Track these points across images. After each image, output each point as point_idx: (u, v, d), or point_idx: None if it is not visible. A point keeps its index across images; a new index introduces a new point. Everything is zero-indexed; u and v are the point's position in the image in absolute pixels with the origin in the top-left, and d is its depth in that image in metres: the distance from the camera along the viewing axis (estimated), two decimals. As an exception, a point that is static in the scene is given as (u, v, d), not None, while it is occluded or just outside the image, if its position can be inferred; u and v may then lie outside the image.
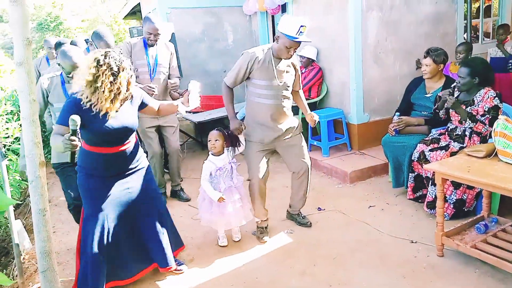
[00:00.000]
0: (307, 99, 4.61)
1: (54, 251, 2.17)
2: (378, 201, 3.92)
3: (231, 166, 3.21)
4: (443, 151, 3.42)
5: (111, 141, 2.54)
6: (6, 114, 4.23)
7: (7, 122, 4.11)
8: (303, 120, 5.18)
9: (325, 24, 5.17)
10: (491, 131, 2.85)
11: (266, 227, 3.41)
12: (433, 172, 3.05)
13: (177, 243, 2.99)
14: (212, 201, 3.15)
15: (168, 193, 4.35)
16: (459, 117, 3.45)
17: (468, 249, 2.73)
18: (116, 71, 2.40)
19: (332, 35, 5.09)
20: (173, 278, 2.92)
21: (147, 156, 3.15)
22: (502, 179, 2.49)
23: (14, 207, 3.72)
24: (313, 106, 5.17)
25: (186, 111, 2.91)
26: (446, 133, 3.62)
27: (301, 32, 2.88)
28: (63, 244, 3.55)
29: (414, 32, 5.01)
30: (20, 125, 3.44)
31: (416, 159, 3.60)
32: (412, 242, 3.14)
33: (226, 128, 3.28)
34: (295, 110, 5.13)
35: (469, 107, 3.41)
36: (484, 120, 3.33)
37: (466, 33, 5.35)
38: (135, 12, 10.31)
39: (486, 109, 3.33)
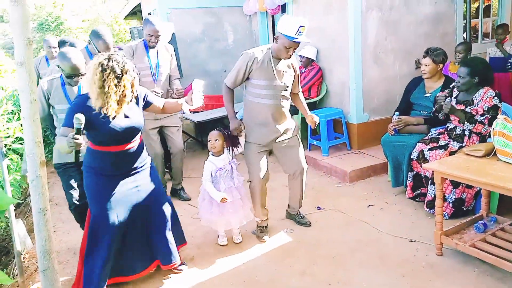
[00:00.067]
0: (306, 99, 4.62)
1: (54, 250, 2.18)
2: (378, 200, 3.93)
3: (231, 167, 3.22)
4: (442, 150, 3.43)
5: (118, 140, 2.57)
6: (6, 114, 4.24)
7: (8, 122, 4.12)
8: (303, 120, 5.21)
9: (325, 24, 5.18)
10: (491, 130, 2.86)
11: (266, 227, 3.42)
12: (432, 171, 3.06)
13: (180, 239, 3.00)
14: (212, 201, 3.16)
15: (168, 192, 4.37)
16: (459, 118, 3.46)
17: (467, 248, 2.74)
18: (119, 74, 2.42)
19: (332, 35, 5.10)
20: (173, 277, 2.94)
21: None
22: (501, 178, 2.50)
23: (14, 206, 3.73)
24: (312, 106, 5.18)
25: (190, 110, 2.93)
26: (446, 132, 3.63)
27: (300, 32, 2.90)
28: (64, 243, 3.56)
29: (413, 32, 5.02)
30: (21, 124, 3.45)
31: (415, 158, 3.61)
32: (411, 241, 3.15)
33: (226, 128, 3.29)
34: (295, 109, 5.16)
35: (469, 107, 3.42)
36: (483, 120, 3.33)
37: (465, 33, 5.36)
38: (135, 12, 10.32)
39: (486, 109, 3.34)
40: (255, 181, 3.25)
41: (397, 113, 3.96)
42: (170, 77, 4.16)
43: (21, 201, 4.50)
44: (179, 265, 2.98)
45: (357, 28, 4.69)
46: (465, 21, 5.36)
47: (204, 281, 2.88)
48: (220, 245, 3.32)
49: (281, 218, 3.69)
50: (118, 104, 2.47)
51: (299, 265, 2.97)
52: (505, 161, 2.72)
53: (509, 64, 5.05)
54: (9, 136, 3.90)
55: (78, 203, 3.20)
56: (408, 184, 3.75)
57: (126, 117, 2.56)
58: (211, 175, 3.16)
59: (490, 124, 3.27)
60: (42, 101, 3.07)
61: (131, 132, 2.60)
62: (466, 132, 3.46)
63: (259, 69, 3.06)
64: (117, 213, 2.63)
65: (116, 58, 2.45)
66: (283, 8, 6.02)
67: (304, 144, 5.17)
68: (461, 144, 3.42)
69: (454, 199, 3.37)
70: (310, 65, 5.30)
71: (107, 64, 2.40)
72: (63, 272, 3.04)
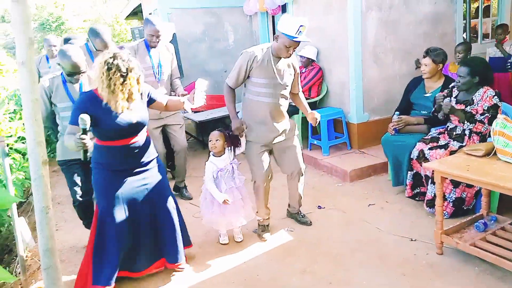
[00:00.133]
0: (307, 99, 4.62)
1: (57, 249, 2.19)
2: (378, 199, 3.94)
3: (232, 167, 3.22)
4: (443, 149, 3.44)
5: (123, 134, 2.59)
6: (8, 113, 4.26)
7: (10, 121, 4.14)
8: (304, 120, 5.23)
9: (325, 24, 5.19)
10: (491, 130, 2.87)
11: (267, 225, 3.44)
12: (433, 170, 3.07)
13: (185, 240, 3.02)
14: (214, 201, 3.17)
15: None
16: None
17: (467, 247, 2.75)
18: (124, 73, 2.45)
19: (332, 35, 5.11)
20: (175, 276, 2.95)
21: None
22: (501, 178, 2.51)
23: (17, 205, 3.74)
24: (313, 106, 5.19)
25: (191, 109, 2.94)
26: (446, 132, 3.64)
27: (300, 31, 2.91)
28: (66, 242, 3.58)
29: (413, 32, 5.03)
30: (23, 124, 3.47)
31: (415, 157, 3.62)
32: (412, 240, 3.16)
33: (227, 128, 3.30)
34: (295, 109, 5.17)
35: (469, 107, 3.43)
36: (483, 119, 3.34)
37: (465, 33, 5.37)
38: (136, 12, 10.33)
39: (486, 108, 3.35)
40: (258, 181, 3.26)
41: (397, 112, 3.97)
42: (171, 76, 4.18)
43: (23, 200, 4.51)
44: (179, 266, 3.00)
45: (357, 28, 4.70)
46: (464, 21, 5.37)
47: (205, 279, 2.90)
48: (221, 244, 3.33)
49: (281, 217, 3.70)
50: (126, 100, 2.51)
51: (299, 264, 2.99)
52: (505, 161, 2.73)
53: (508, 64, 5.06)
54: (11, 136, 3.92)
55: (81, 199, 3.22)
56: (407, 183, 3.76)
57: (131, 112, 2.59)
58: (213, 176, 3.17)
59: (490, 123, 3.28)
60: (44, 99, 3.07)
61: (136, 126, 2.62)
62: (466, 132, 3.47)
63: (259, 67, 3.07)
64: (124, 209, 2.65)
65: (122, 56, 2.46)
66: (283, 9, 6.03)
67: (304, 144, 5.22)
68: (461, 144, 3.44)
69: (454, 199, 3.38)
70: (310, 65, 5.31)
71: (112, 63, 2.42)
72: (65, 270, 3.05)
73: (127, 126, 2.56)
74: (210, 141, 3.20)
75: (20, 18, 1.92)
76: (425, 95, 3.95)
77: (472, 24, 6.00)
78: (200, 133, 6.21)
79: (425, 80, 3.99)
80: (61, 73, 3.11)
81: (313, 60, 5.32)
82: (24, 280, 2.79)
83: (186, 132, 6.08)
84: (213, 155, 3.22)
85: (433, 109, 3.73)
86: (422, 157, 3.55)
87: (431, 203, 3.47)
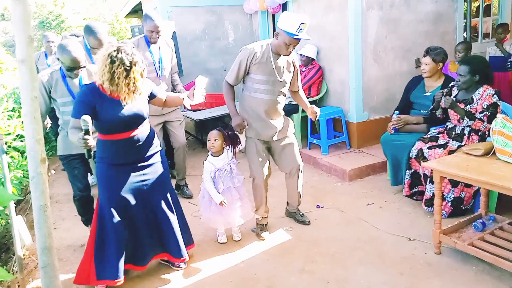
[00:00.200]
0: (307, 97, 4.62)
1: (54, 247, 2.19)
2: (377, 199, 3.94)
3: (231, 167, 3.21)
4: (441, 149, 3.44)
5: (122, 127, 2.60)
6: (7, 111, 4.25)
7: (9, 119, 4.14)
8: (303, 119, 5.22)
9: (325, 23, 5.18)
10: (490, 129, 2.86)
11: (266, 224, 3.43)
12: (431, 170, 3.07)
13: (187, 240, 3.01)
14: (211, 200, 3.17)
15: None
16: (458, 116, 3.47)
17: (466, 247, 2.75)
18: (128, 66, 2.45)
19: (332, 34, 5.11)
20: (173, 275, 2.95)
21: None
22: (500, 177, 2.51)
23: (15, 203, 3.74)
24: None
25: (191, 105, 2.93)
26: (445, 132, 3.64)
27: (301, 29, 2.88)
28: (64, 240, 3.58)
29: (413, 31, 5.02)
30: (22, 122, 3.46)
31: (414, 156, 3.62)
32: (410, 239, 3.16)
33: (226, 126, 3.29)
34: (294, 108, 5.17)
35: (468, 106, 3.42)
36: (482, 117, 3.34)
37: (465, 32, 5.36)
38: (136, 10, 10.32)
39: (485, 106, 3.34)
40: (258, 178, 3.26)
41: (396, 112, 3.97)
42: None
43: (21, 198, 4.51)
44: (179, 263, 3.00)
45: (357, 26, 4.70)
46: (465, 20, 5.36)
47: (203, 278, 2.89)
48: (220, 243, 3.33)
49: (280, 216, 3.70)
50: (132, 92, 2.53)
51: (298, 263, 2.99)
52: (504, 160, 2.73)
53: (509, 63, 5.06)
54: (9, 134, 3.91)
55: (82, 193, 3.21)
56: (405, 182, 3.76)
57: (132, 105, 2.59)
58: (210, 175, 3.17)
59: (489, 122, 3.28)
60: (43, 94, 3.05)
61: (135, 119, 2.63)
62: (466, 132, 3.46)
63: (258, 64, 3.06)
64: (123, 203, 2.66)
65: (125, 49, 2.46)
66: (284, 7, 6.02)
67: (303, 143, 5.22)
68: (460, 143, 3.43)
69: (452, 198, 3.38)
70: (310, 64, 5.30)
71: (116, 56, 2.42)
72: (63, 269, 3.05)
73: (126, 119, 2.57)
74: (208, 140, 3.20)
75: (20, 16, 1.92)
76: (425, 94, 3.95)
77: (473, 23, 5.99)
78: (199, 132, 6.21)
79: (425, 79, 3.99)
80: (60, 68, 3.09)
81: (313, 59, 5.31)
82: (21, 279, 2.79)
83: (186, 131, 6.09)
84: (211, 154, 3.22)
85: (431, 106, 3.73)
86: (421, 156, 3.54)
87: (429, 202, 3.47)
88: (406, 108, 4.09)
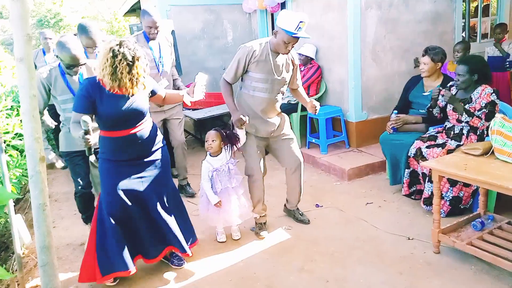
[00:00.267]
0: (306, 97, 4.63)
1: (54, 246, 2.19)
2: (376, 198, 3.94)
3: (229, 167, 3.21)
4: (440, 148, 3.44)
5: (122, 123, 2.60)
6: (6, 110, 4.23)
7: (7, 118, 4.12)
8: (302, 118, 5.23)
9: (324, 22, 5.18)
10: (488, 127, 2.87)
11: (264, 223, 3.44)
12: (430, 169, 3.07)
13: (188, 237, 3.00)
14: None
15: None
16: (457, 115, 3.47)
17: (464, 246, 2.76)
18: (131, 61, 2.45)
19: (331, 33, 5.11)
20: (172, 274, 2.95)
21: None
22: (499, 177, 2.52)
23: (14, 202, 3.73)
24: (312, 104, 5.19)
25: (190, 102, 2.93)
26: (444, 131, 3.65)
27: (300, 27, 2.87)
28: (63, 239, 3.57)
29: (412, 31, 5.03)
30: (21, 120, 3.44)
31: (412, 155, 3.62)
32: (409, 239, 3.17)
33: (225, 125, 3.28)
34: (294, 107, 5.18)
35: (467, 105, 3.43)
36: (480, 115, 3.35)
37: (464, 32, 5.37)
38: (135, 9, 10.30)
39: (483, 105, 3.35)
40: (254, 175, 3.25)
41: (395, 111, 3.98)
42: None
43: (20, 197, 4.51)
44: (178, 263, 3.00)
45: (356, 26, 4.70)
46: (464, 20, 5.37)
47: (202, 277, 2.90)
48: (219, 242, 3.33)
49: (279, 215, 3.70)
50: (135, 85, 2.54)
51: (297, 262, 2.99)
52: (503, 160, 2.74)
53: (507, 63, 5.07)
54: (8, 132, 3.89)
55: (83, 190, 3.21)
56: (404, 181, 3.76)
57: (132, 100, 2.59)
58: (208, 175, 3.17)
59: (487, 119, 3.29)
60: (41, 91, 3.03)
61: (135, 115, 2.63)
62: (464, 131, 3.47)
63: (257, 62, 3.05)
64: (124, 199, 2.65)
65: (128, 44, 2.46)
66: (283, 6, 6.01)
67: (303, 142, 5.22)
68: (458, 143, 3.44)
69: (451, 197, 3.39)
70: (309, 63, 5.30)
71: (118, 50, 2.42)
72: (62, 267, 3.05)
73: (126, 114, 2.57)
74: (206, 141, 3.19)
75: (18, 14, 1.91)
76: (424, 94, 3.95)
77: (471, 23, 6.00)
78: (198, 131, 6.21)
79: (424, 78, 3.99)
80: (59, 65, 3.07)
81: (312, 58, 5.31)
82: (20, 277, 2.78)
83: (185, 130, 6.09)
84: (209, 154, 3.21)
85: (429, 104, 3.74)
86: (419, 155, 3.55)
87: (428, 201, 3.48)
88: (405, 108, 4.10)
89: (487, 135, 3.18)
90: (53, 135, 5.23)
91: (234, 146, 3.19)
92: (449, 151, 3.37)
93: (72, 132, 2.57)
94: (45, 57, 5.59)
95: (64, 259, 3.24)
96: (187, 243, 2.92)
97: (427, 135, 3.68)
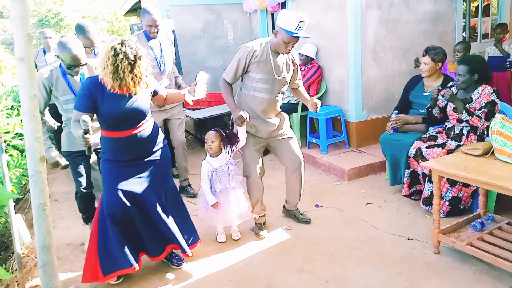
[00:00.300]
0: (306, 97, 4.63)
1: (54, 246, 2.19)
2: (376, 198, 3.94)
3: (228, 168, 3.20)
4: (440, 148, 3.44)
5: (123, 123, 2.60)
6: (6, 109, 4.24)
7: (8, 117, 4.12)
8: (302, 118, 5.23)
9: (324, 22, 5.18)
10: (488, 127, 2.87)
11: (264, 223, 3.44)
12: (430, 169, 3.07)
13: (193, 238, 3.01)
14: (209, 198, 3.19)
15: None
16: (457, 116, 3.47)
17: (464, 247, 2.76)
18: (132, 60, 2.45)
19: (332, 33, 5.11)
20: (172, 274, 2.95)
21: None
22: (499, 177, 2.52)
23: (14, 202, 3.74)
24: (312, 104, 5.19)
25: (192, 101, 2.93)
26: (444, 131, 3.65)
27: (300, 27, 2.86)
28: (63, 239, 3.57)
29: (413, 31, 5.02)
30: (21, 120, 3.45)
31: (412, 155, 3.62)
32: (409, 239, 3.17)
33: (225, 125, 3.28)
34: (294, 107, 5.17)
35: (467, 105, 3.43)
36: (480, 114, 3.35)
37: (464, 32, 5.37)
38: (135, 9, 10.30)
39: (483, 104, 3.35)
40: (252, 176, 3.25)
41: (395, 111, 3.98)
42: None
43: (20, 197, 4.51)
44: (177, 263, 3.00)
45: (357, 26, 4.70)
46: (464, 20, 5.37)
47: (202, 277, 2.90)
48: (219, 242, 3.33)
49: (279, 215, 3.70)
50: (137, 84, 2.54)
51: (297, 262, 2.99)
52: (503, 160, 2.74)
53: (507, 63, 5.07)
54: (8, 132, 3.90)
55: (85, 191, 3.21)
56: (404, 181, 3.76)
57: (133, 100, 2.60)
58: (207, 175, 3.17)
59: (486, 119, 3.30)
60: (42, 92, 3.02)
61: (136, 115, 2.63)
62: (464, 132, 3.47)
63: (257, 62, 3.04)
64: (125, 198, 2.66)
65: (129, 43, 2.46)
66: (283, 6, 6.01)
67: (303, 142, 5.22)
68: (459, 143, 3.44)
69: (450, 197, 3.39)
70: (309, 63, 5.30)
71: (120, 49, 2.42)
72: (62, 267, 3.05)
73: (127, 113, 2.57)
74: (206, 142, 3.19)
75: (18, 14, 1.92)
76: (424, 94, 3.95)
77: (472, 23, 6.00)
78: (198, 131, 6.21)
79: (424, 79, 3.99)
80: (60, 65, 3.07)
81: (312, 58, 5.31)
82: (20, 277, 2.79)
83: (185, 130, 6.08)
84: (209, 155, 3.22)
85: (428, 105, 3.74)
86: (419, 155, 3.55)
87: (427, 201, 3.48)
88: (405, 108, 4.10)
89: (487, 135, 3.18)
90: (53, 135, 5.24)
91: (234, 146, 3.19)
92: (449, 151, 3.37)
93: (72, 131, 2.59)
94: (46, 56, 5.60)
95: (64, 259, 3.24)
96: (188, 242, 2.92)
97: (427, 135, 3.68)
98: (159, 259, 2.91)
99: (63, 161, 3.10)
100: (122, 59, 2.42)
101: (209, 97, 6.20)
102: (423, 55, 3.91)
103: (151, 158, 2.77)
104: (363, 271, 2.83)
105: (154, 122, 2.83)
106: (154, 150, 2.78)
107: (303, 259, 3.02)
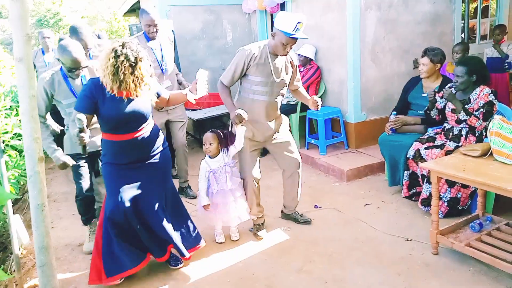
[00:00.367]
0: (305, 98, 4.63)
1: (52, 246, 2.19)
2: (374, 199, 3.95)
3: (226, 170, 3.19)
4: (439, 149, 3.45)
5: (124, 125, 2.60)
6: (5, 110, 4.23)
7: (6, 118, 4.11)
8: (301, 119, 5.23)
9: (323, 23, 5.19)
10: (486, 128, 2.87)
11: (262, 224, 3.43)
12: (429, 170, 3.07)
13: (193, 240, 3.01)
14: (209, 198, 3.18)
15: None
16: (455, 117, 3.48)
17: (463, 247, 2.76)
18: (133, 62, 2.45)
19: (331, 34, 5.11)
20: (171, 274, 2.95)
21: None
22: (497, 178, 2.52)
23: (12, 202, 3.73)
24: (311, 105, 5.19)
25: (195, 100, 2.92)
26: (442, 132, 3.65)
27: (297, 28, 2.86)
28: (61, 239, 3.57)
29: (412, 32, 5.03)
30: (20, 120, 3.44)
31: (411, 157, 3.63)
32: (407, 240, 3.17)
33: (224, 126, 3.28)
34: (293, 108, 5.18)
35: (466, 106, 3.43)
36: (478, 115, 3.35)
37: (463, 33, 5.38)
38: (134, 9, 10.30)
39: (481, 105, 3.35)
40: (248, 178, 3.25)
41: (394, 112, 3.98)
42: None
43: (19, 197, 4.50)
44: (175, 263, 3.00)
45: (356, 27, 4.70)
46: (463, 21, 5.38)
47: (201, 278, 2.89)
48: (218, 242, 3.33)
49: (278, 216, 3.70)
50: (138, 87, 2.54)
51: (296, 263, 2.99)
52: (501, 161, 2.74)
53: (506, 64, 5.08)
54: (7, 132, 3.89)
55: (85, 194, 3.21)
56: (404, 183, 3.77)
57: (133, 102, 2.59)
58: (205, 176, 3.17)
59: (484, 119, 3.30)
60: (44, 97, 3.02)
61: (136, 118, 2.63)
62: (463, 133, 3.48)
63: (256, 65, 3.04)
64: (128, 201, 2.66)
65: (130, 45, 2.47)
66: (282, 7, 6.02)
67: (301, 143, 5.23)
68: (457, 144, 3.45)
69: (449, 198, 3.39)
70: (308, 64, 5.31)
71: (121, 51, 2.43)
72: (60, 268, 3.05)
73: (127, 116, 2.57)
74: (204, 144, 3.19)
75: (17, 14, 1.92)
76: (423, 95, 3.95)
77: (471, 25, 6.01)
78: (197, 131, 6.21)
79: (423, 80, 4.00)
80: (60, 68, 3.07)
81: (311, 59, 5.31)
82: (19, 278, 2.78)
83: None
84: (208, 156, 3.21)
85: (426, 107, 3.74)
86: (418, 157, 3.56)
87: (425, 202, 3.48)
88: (404, 109, 4.10)
89: (486, 136, 3.19)
90: (55, 138, 5.23)
91: (231, 147, 3.17)
92: (448, 152, 3.37)
93: (70, 130, 2.58)
94: (44, 56, 5.60)
95: (63, 260, 3.24)
96: (186, 244, 2.92)
97: (426, 136, 3.69)
98: (163, 259, 2.92)
99: (71, 161, 3.08)
100: (123, 60, 2.42)
101: (208, 97, 6.21)
102: (422, 56, 3.92)
103: (151, 160, 2.77)
104: (362, 272, 2.83)
105: (155, 124, 2.83)
106: (154, 152, 2.78)
107: (302, 260, 3.02)
